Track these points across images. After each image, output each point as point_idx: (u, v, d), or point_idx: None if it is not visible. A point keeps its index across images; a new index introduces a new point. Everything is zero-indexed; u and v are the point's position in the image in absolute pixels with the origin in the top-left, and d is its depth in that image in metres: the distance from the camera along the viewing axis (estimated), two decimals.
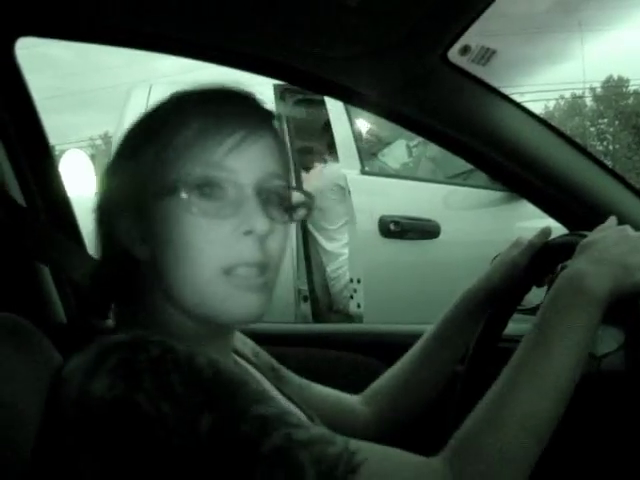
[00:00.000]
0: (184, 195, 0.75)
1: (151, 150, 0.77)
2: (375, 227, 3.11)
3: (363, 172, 3.32)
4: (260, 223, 0.75)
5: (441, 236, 3.11)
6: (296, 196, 0.85)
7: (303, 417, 0.90)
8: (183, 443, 0.63)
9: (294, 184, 0.84)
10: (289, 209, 0.82)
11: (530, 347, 0.74)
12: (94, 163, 4.09)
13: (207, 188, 0.75)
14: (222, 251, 0.75)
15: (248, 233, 0.75)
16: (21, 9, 1.24)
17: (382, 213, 3.12)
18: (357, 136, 3.44)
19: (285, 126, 3.56)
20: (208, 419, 0.64)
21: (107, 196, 0.81)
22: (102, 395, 0.65)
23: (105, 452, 0.66)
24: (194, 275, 0.76)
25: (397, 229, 3.09)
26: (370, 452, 0.67)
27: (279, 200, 0.80)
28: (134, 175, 0.77)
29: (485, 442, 0.68)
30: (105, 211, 0.81)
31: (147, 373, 0.66)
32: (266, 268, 0.78)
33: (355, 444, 0.67)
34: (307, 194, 0.85)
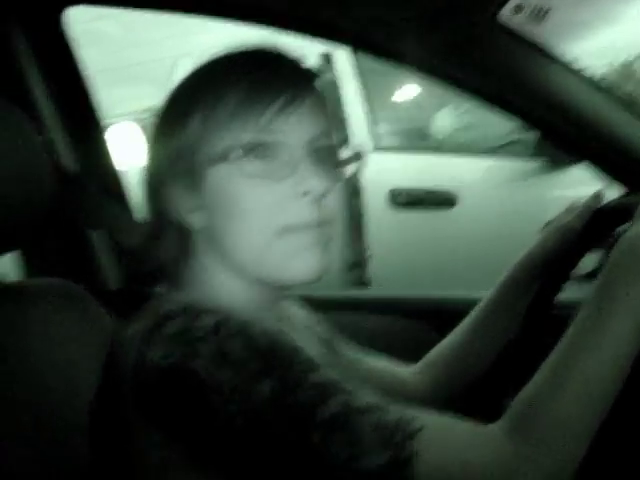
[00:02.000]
0: (236, 160, 0.74)
1: (197, 118, 0.76)
2: (386, 199, 3.10)
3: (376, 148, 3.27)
4: (316, 183, 0.75)
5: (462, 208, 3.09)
6: (345, 153, 0.85)
7: None
8: (239, 411, 0.64)
9: (342, 141, 0.84)
10: (340, 166, 0.82)
11: (589, 314, 0.72)
12: (146, 135, 4.13)
13: (259, 152, 0.75)
14: (280, 213, 0.75)
15: (305, 194, 0.75)
16: None
17: (394, 185, 3.11)
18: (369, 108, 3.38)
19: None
20: (265, 387, 0.64)
21: (155, 168, 0.81)
22: (159, 363, 0.66)
23: (161, 419, 0.67)
24: (253, 239, 0.76)
25: (409, 200, 3.09)
26: (427, 419, 0.67)
27: (330, 158, 0.80)
28: (182, 144, 0.77)
29: (544, 409, 0.67)
30: (154, 183, 0.81)
31: (204, 341, 0.66)
32: (324, 226, 0.78)
33: (412, 412, 0.67)
34: (356, 149, 0.85)
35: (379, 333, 1.46)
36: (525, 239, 1.11)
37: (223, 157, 0.75)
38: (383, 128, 3.53)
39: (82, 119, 1.48)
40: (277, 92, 0.75)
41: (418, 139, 3.71)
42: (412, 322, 1.48)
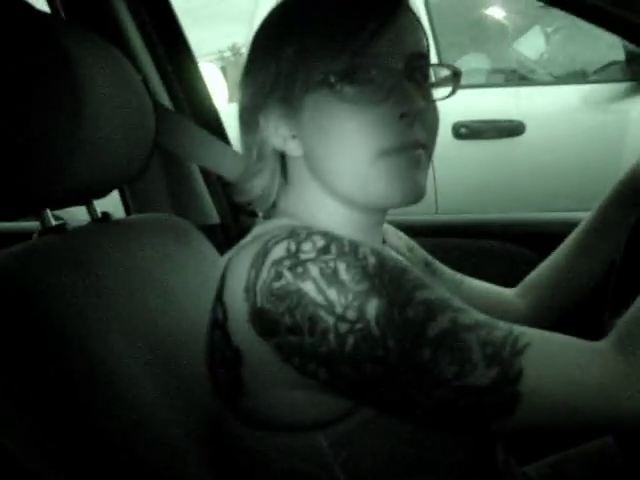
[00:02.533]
0: (332, 85, 0.74)
1: (290, 47, 0.76)
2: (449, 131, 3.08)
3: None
4: (414, 104, 0.74)
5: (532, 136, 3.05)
6: (442, 72, 0.84)
7: None
8: (350, 330, 0.65)
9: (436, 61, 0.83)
10: (436, 86, 0.81)
11: None
12: (225, 75, 4.13)
13: (354, 76, 0.75)
14: (379, 136, 0.75)
15: (403, 115, 0.75)
16: None
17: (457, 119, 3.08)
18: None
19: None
20: (375, 305, 0.65)
21: (250, 99, 0.81)
22: (270, 284, 0.67)
23: (272, 339, 0.68)
24: (353, 163, 0.76)
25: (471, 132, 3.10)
26: (534, 336, 0.67)
27: (427, 78, 0.79)
28: (277, 74, 0.77)
29: None
30: (250, 113, 0.81)
31: (313, 262, 0.67)
32: (422, 148, 0.77)
33: (519, 329, 0.67)
34: (453, 69, 0.83)
35: (478, 257, 1.45)
36: (610, 161, 1.07)
37: (319, 84, 0.75)
38: (465, 60, 3.46)
39: (176, 56, 1.50)
40: (368, 14, 0.74)
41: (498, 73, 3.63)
42: (511, 245, 1.47)
